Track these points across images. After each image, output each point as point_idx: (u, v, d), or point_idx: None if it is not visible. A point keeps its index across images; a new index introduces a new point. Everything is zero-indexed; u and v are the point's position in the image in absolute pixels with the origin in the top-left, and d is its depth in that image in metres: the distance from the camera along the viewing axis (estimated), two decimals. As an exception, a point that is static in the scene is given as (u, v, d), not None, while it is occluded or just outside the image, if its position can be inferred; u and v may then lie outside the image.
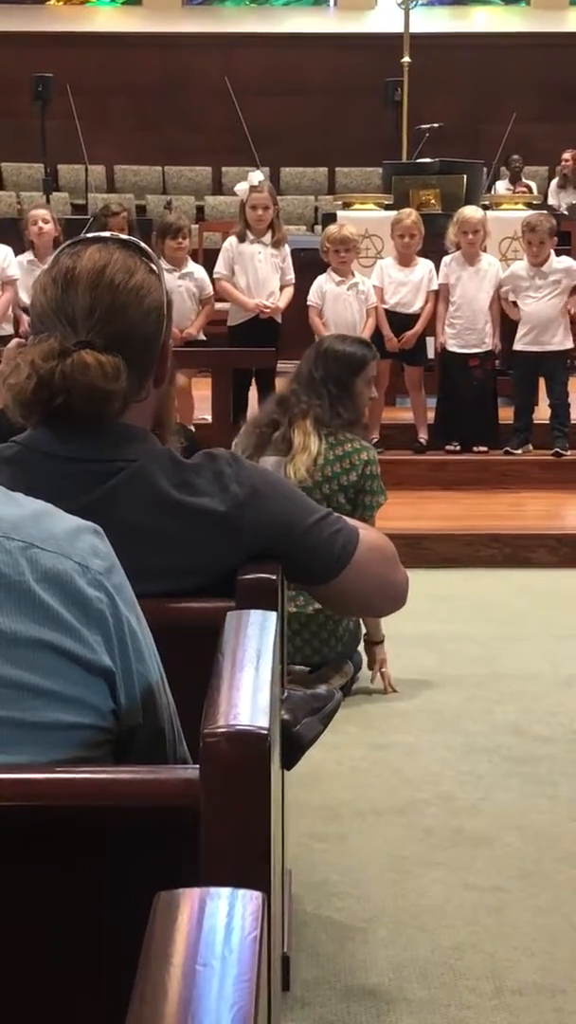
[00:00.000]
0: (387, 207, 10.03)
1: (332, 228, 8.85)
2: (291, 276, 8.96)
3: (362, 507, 5.19)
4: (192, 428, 7.96)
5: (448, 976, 3.20)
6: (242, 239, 8.88)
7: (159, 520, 2.22)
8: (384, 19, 16.16)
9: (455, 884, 3.68)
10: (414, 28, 13.13)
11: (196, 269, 9.09)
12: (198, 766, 1.39)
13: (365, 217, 9.85)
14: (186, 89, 16.52)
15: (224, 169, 16.65)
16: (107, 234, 2.34)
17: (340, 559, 2.39)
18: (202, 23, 17.41)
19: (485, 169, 11.84)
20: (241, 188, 9.02)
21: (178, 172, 16.82)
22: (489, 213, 9.87)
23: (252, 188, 8.87)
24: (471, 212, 8.92)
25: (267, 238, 8.86)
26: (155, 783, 1.47)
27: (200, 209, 15.86)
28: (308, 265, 9.62)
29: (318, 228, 13.34)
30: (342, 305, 8.78)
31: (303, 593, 4.97)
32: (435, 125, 13.01)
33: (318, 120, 16.46)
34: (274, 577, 2.25)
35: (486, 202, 10.50)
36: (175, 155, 16.64)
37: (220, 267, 8.94)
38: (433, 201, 10.29)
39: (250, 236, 8.86)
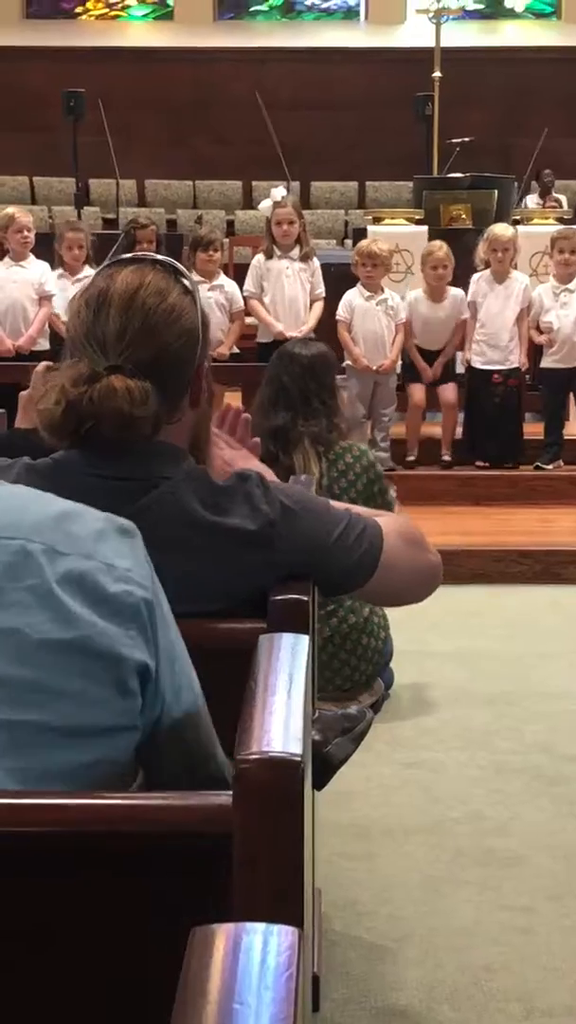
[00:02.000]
0: (418, 222, 10.04)
1: (364, 242, 8.87)
2: (321, 290, 8.96)
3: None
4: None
5: (478, 997, 3.19)
6: (269, 256, 8.90)
7: (190, 540, 2.22)
8: (414, 33, 16.17)
9: (485, 904, 3.67)
10: (444, 42, 13.15)
11: (227, 283, 9.11)
12: (231, 792, 1.39)
13: (395, 232, 9.86)
14: (217, 103, 16.57)
15: (254, 183, 16.68)
16: (143, 255, 2.34)
17: (370, 561, 2.38)
18: (233, 38, 17.45)
19: (516, 184, 11.83)
20: (265, 205, 9.05)
21: (208, 186, 16.87)
22: (520, 228, 9.87)
23: (276, 204, 8.88)
24: (501, 230, 8.88)
25: (295, 253, 8.87)
26: (187, 809, 1.47)
27: (230, 223, 15.89)
28: (338, 279, 9.62)
29: (348, 243, 13.35)
30: (371, 320, 8.78)
31: (327, 622, 4.94)
32: (465, 139, 13.02)
33: (348, 134, 16.48)
34: (306, 598, 2.25)
35: (517, 217, 10.50)
36: (205, 169, 16.69)
37: (249, 285, 8.95)
38: (464, 216, 10.29)
39: (277, 252, 8.87)
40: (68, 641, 1.56)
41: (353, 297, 8.82)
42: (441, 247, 8.95)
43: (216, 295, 8.82)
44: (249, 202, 16.78)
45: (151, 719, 1.64)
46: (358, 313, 8.80)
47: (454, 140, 13.00)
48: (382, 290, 8.85)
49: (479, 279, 8.90)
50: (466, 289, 8.92)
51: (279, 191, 9.05)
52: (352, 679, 5.13)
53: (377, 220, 10.29)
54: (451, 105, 13.49)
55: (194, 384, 2.29)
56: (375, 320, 8.79)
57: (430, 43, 13.17)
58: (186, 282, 2.29)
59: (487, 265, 8.89)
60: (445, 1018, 3.10)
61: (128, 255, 2.33)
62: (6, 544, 1.58)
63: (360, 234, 10.10)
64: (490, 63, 16.65)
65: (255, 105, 14.30)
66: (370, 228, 9.98)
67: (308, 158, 15.68)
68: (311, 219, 15.85)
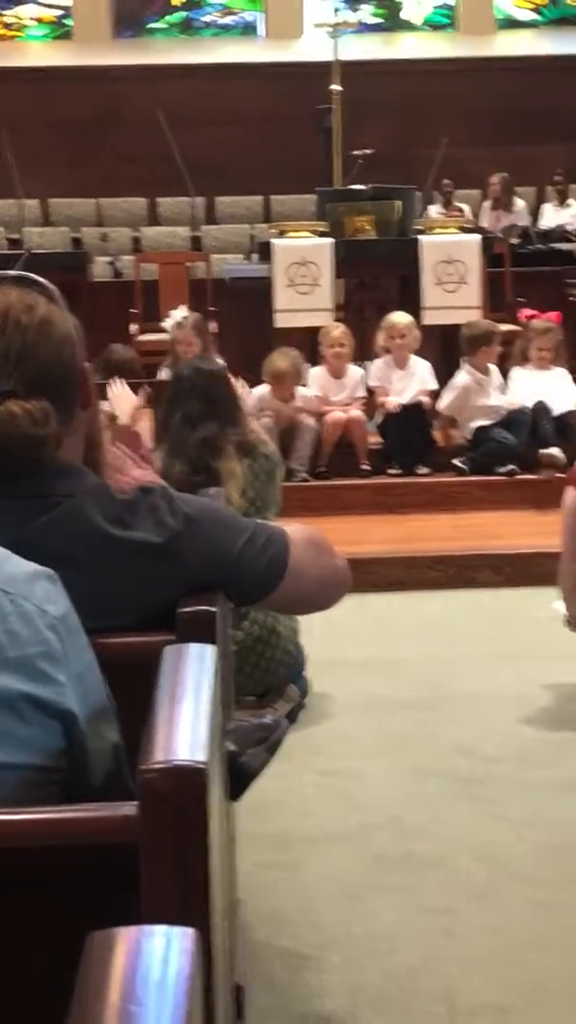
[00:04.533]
0: (322, 234, 10.07)
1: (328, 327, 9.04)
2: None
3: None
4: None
5: (402, 1000, 3.21)
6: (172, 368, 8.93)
7: (95, 556, 2.23)
8: (313, 47, 16.23)
9: (407, 908, 3.69)
10: (342, 56, 13.20)
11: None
12: (136, 802, 1.40)
13: (300, 245, 9.89)
14: (118, 121, 16.52)
15: (159, 200, 16.65)
16: None
17: (277, 569, 2.41)
18: (132, 55, 17.42)
19: (419, 194, 11.91)
20: (169, 323, 9.23)
21: (113, 204, 16.81)
22: (423, 237, 9.96)
23: (177, 325, 8.99)
24: (397, 318, 9.11)
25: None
26: (94, 821, 1.48)
27: (136, 240, 15.85)
28: (245, 293, 9.67)
29: (255, 256, 13.37)
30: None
31: (237, 628, 4.97)
32: (367, 151, 13.08)
33: (251, 149, 16.50)
34: (213, 609, 2.26)
35: (420, 226, 10.56)
36: (110, 187, 16.62)
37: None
38: (368, 227, 10.34)
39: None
40: (9, 683, 1.58)
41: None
42: (338, 327, 9.20)
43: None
44: (155, 219, 16.75)
45: (72, 756, 1.66)
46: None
47: (356, 152, 13.06)
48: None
49: (381, 364, 9.15)
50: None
51: (180, 312, 9.30)
52: (264, 682, 5.18)
53: (282, 233, 10.31)
54: (352, 118, 13.53)
55: (82, 387, 2.31)
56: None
57: (329, 57, 13.23)
58: (46, 291, 2.30)
59: (387, 351, 9.08)
60: (369, 1022, 3.11)
61: None
62: None
63: (265, 247, 10.11)
64: (389, 75, 16.73)
65: (157, 122, 14.29)
66: (275, 241, 9.99)
67: (212, 173, 15.68)
68: (217, 234, 15.91)
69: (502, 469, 8.73)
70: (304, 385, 8.95)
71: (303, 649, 5.36)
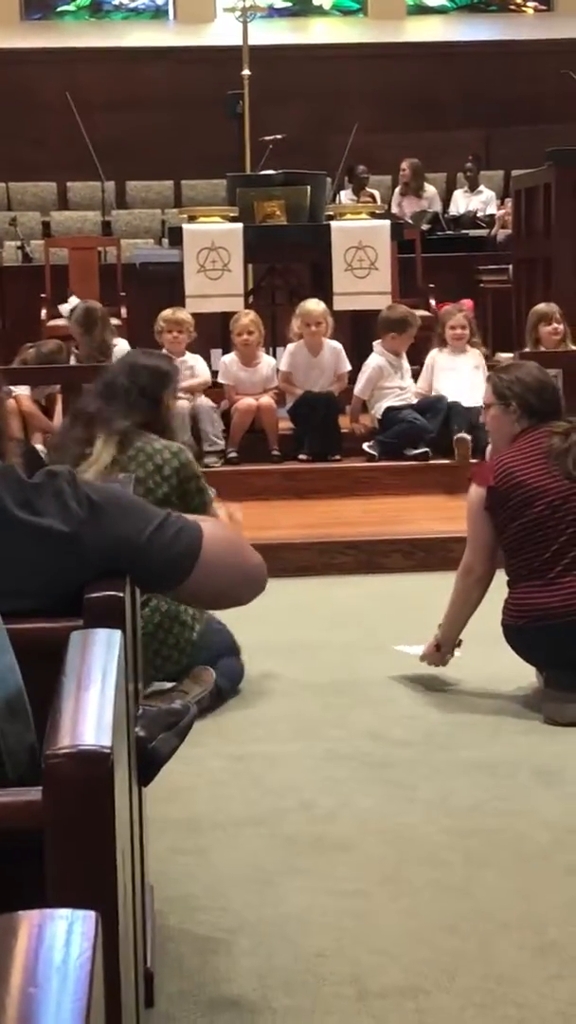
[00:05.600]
0: (232, 219, 10.07)
1: (166, 312, 8.98)
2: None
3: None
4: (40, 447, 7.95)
5: (312, 983, 3.22)
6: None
7: (3, 539, 2.22)
8: (224, 32, 16.19)
9: (317, 891, 3.70)
10: (253, 40, 13.19)
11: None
12: (41, 787, 1.40)
13: (210, 230, 9.87)
14: (27, 105, 16.38)
15: (69, 184, 16.55)
16: None
17: (187, 559, 2.40)
18: (41, 38, 17.28)
19: (329, 179, 11.92)
20: (64, 309, 9.45)
21: (22, 188, 16.68)
22: (333, 223, 9.99)
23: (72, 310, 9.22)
24: (312, 305, 9.17)
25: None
26: (-1, 807, 1.48)
27: (46, 225, 15.74)
28: (156, 278, 9.64)
29: (165, 241, 13.34)
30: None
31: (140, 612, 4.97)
32: (277, 137, 13.09)
33: (162, 133, 16.44)
34: (121, 595, 2.26)
35: (330, 212, 10.58)
36: (19, 171, 16.48)
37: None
38: (278, 212, 10.34)
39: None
40: None
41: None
42: (247, 314, 9.22)
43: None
44: (65, 203, 16.64)
45: None
46: None
47: (266, 138, 13.07)
48: (184, 354, 8.95)
49: (295, 351, 9.15)
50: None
51: (70, 304, 9.48)
52: (172, 660, 5.16)
53: (192, 218, 10.29)
54: (263, 103, 13.53)
55: None
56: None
57: (239, 41, 13.20)
58: None
59: (300, 338, 9.13)
60: (279, 1005, 3.12)
61: None
62: None
63: (176, 232, 10.09)
64: (299, 60, 16.73)
65: (67, 105, 14.20)
66: (185, 226, 9.97)
67: (122, 157, 15.61)
68: (127, 219, 15.83)
69: (414, 451, 8.76)
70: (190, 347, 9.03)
71: (224, 634, 5.36)
